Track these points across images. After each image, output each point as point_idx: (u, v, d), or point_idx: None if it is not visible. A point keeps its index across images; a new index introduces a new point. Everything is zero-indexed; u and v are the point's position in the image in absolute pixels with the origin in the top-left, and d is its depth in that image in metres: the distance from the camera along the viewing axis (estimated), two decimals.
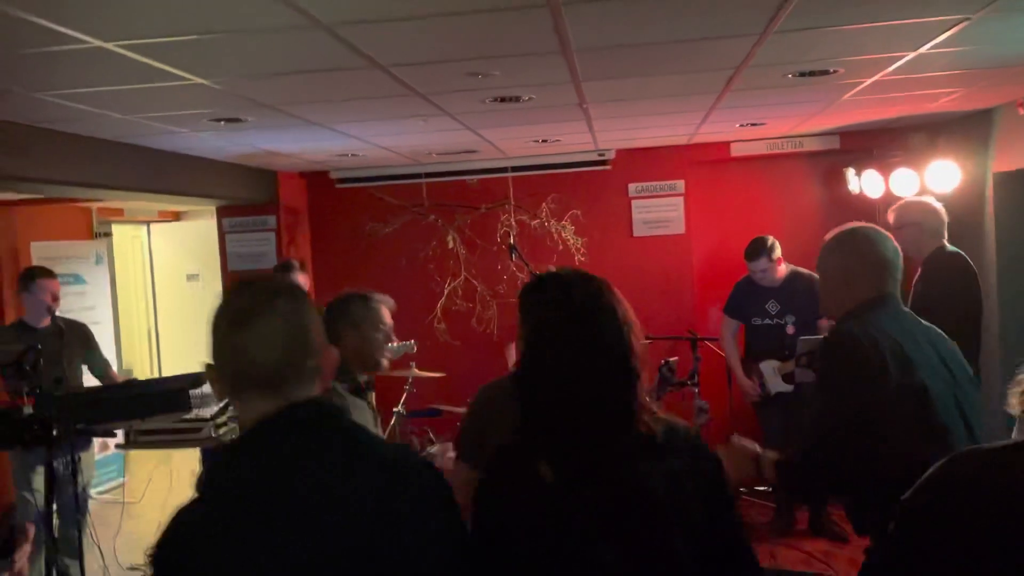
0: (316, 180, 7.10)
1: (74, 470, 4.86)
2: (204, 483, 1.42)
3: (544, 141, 5.90)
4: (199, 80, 3.29)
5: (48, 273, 5.06)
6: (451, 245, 6.90)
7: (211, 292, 7.29)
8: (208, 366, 1.46)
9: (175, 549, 1.38)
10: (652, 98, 4.46)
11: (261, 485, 1.37)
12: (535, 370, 1.72)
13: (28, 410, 3.54)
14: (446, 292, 6.85)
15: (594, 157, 6.73)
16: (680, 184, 6.85)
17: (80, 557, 4.69)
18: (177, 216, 8.86)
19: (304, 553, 1.34)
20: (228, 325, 1.44)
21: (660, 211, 6.85)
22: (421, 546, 1.42)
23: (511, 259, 6.11)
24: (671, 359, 4.90)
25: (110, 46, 2.74)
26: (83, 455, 4.96)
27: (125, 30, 2.60)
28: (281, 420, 1.41)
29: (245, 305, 1.44)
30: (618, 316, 1.72)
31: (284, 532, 1.34)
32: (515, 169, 6.80)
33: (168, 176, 5.25)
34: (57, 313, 4.97)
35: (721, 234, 6.75)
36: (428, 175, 6.88)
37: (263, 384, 1.42)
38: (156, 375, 8.00)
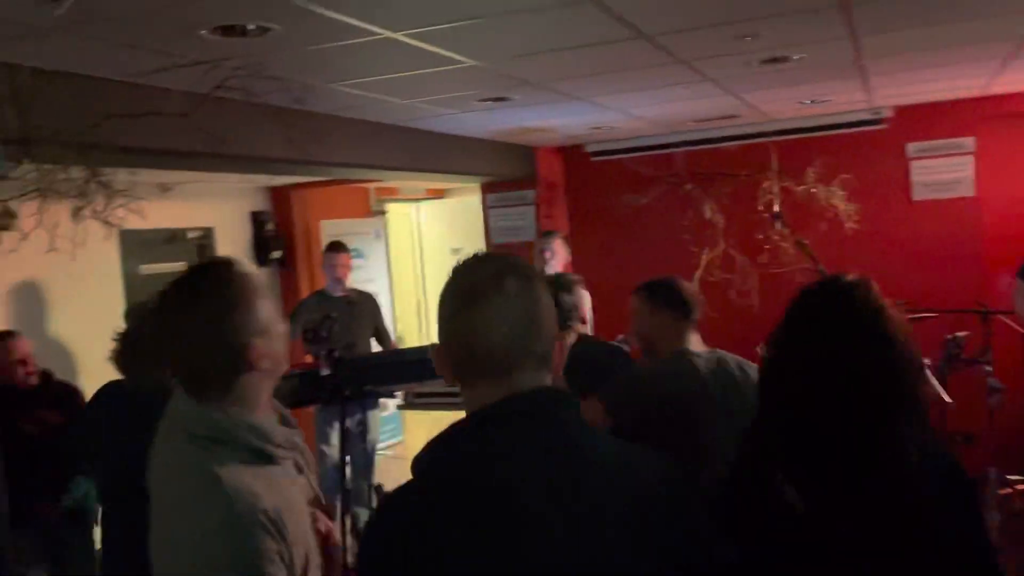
0: (572, 154, 7.22)
1: (364, 428, 5.35)
2: (422, 470, 1.31)
3: (811, 102, 5.58)
4: (472, 62, 3.45)
5: (342, 247, 5.58)
6: (708, 215, 6.75)
7: None
8: (435, 347, 1.35)
9: (391, 541, 1.25)
10: (939, 49, 4.07)
11: (479, 479, 1.25)
12: (795, 385, 1.62)
13: (324, 372, 3.90)
14: (703, 263, 6.72)
15: (866, 116, 6.26)
16: (969, 142, 6.20)
17: (369, 506, 5.15)
18: (442, 194, 9.39)
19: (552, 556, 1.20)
20: (453, 304, 1.33)
21: (945, 172, 6.25)
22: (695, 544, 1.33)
23: (775, 227, 5.87)
24: (959, 334, 4.49)
25: (398, 36, 2.94)
26: (371, 414, 5.44)
27: (411, 20, 2.78)
28: (501, 409, 1.28)
29: (472, 283, 1.32)
30: (900, 338, 1.61)
31: (520, 529, 1.21)
32: (777, 133, 6.50)
33: (438, 156, 5.57)
34: (349, 284, 5.48)
35: (1021, 196, 6.05)
36: (683, 143, 6.76)
37: (488, 368, 1.30)
38: (426, 344, 8.57)
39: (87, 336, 4.87)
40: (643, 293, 2.83)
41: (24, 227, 5.12)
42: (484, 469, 1.25)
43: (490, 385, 1.29)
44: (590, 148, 7.08)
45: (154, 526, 1.58)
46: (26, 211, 5.02)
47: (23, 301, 5.29)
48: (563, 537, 1.21)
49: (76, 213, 3.01)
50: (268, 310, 1.62)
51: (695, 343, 2.76)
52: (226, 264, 1.64)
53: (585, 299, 3.74)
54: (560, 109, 4.95)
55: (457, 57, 3.34)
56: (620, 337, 4.23)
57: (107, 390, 3.24)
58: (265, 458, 1.59)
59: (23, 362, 4.05)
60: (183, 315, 1.58)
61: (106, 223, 3.19)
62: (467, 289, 1.32)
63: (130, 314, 3.33)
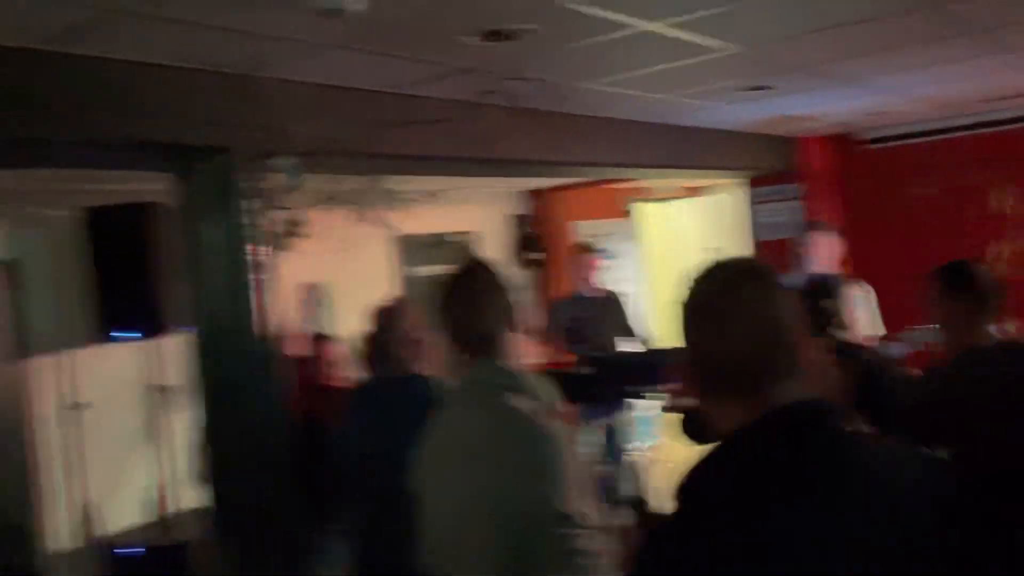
0: (843, 142, 6.74)
1: (615, 427, 5.32)
2: (687, 499, 1.24)
3: None
4: (734, 49, 3.30)
5: (590, 248, 5.60)
6: (998, 206, 6.03)
7: None
8: (679, 362, 1.28)
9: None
10: None
11: (749, 508, 1.16)
12: None
13: (585, 371, 3.91)
14: (992, 258, 6.01)
15: None
16: None
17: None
18: (698, 191, 9.17)
19: None
20: (691, 319, 1.27)
21: None
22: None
23: None
24: None
25: (657, 27, 2.87)
26: (624, 413, 5.40)
27: (672, 8, 2.70)
28: (759, 430, 1.20)
29: (708, 295, 1.26)
30: None
31: (801, 553, 1.13)
32: None
33: (695, 151, 5.42)
34: (599, 285, 5.48)
35: None
36: (970, 126, 6.08)
37: (734, 385, 1.22)
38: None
39: None
40: (935, 278, 2.58)
41: (311, 233, 5.63)
42: (753, 498, 1.17)
43: (740, 403, 1.21)
44: (862, 135, 6.58)
45: (487, 480, 1.69)
46: (313, 218, 5.55)
47: (311, 302, 5.82)
48: (842, 553, 1.14)
49: (357, 217, 3.22)
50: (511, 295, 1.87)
51: (992, 333, 2.45)
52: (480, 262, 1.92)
53: (857, 299, 3.45)
54: (828, 95, 4.63)
55: (718, 45, 3.21)
56: (908, 329, 3.87)
57: (363, 389, 3.33)
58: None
59: (330, 364, 4.21)
60: (471, 290, 1.82)
61: (385, 227, 3.40)
62: (702, 302, 1.26)
63: (378, 316, 3.50)
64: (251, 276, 3.13)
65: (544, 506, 1.64)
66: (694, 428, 2.78)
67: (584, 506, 1.68)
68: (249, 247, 3.12)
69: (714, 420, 1.25)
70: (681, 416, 2.95)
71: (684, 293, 1.29)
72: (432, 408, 1.88)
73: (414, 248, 6.49)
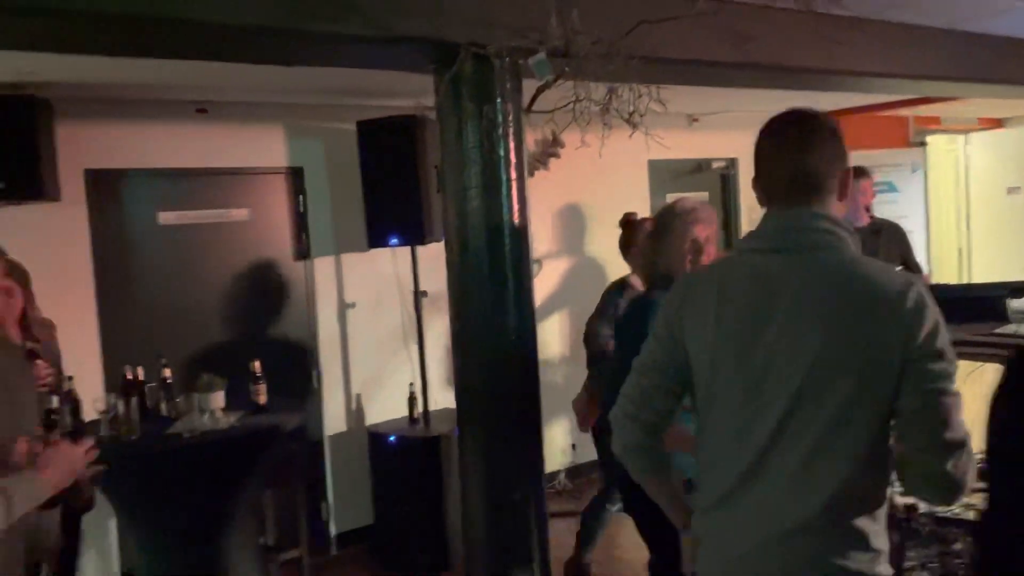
0: None
1: None
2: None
3: None
4: None
5: (865, 173, 5.13)
6: None
7: None
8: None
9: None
10: None
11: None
12: None
13: None
14: None
15: None
16: None
17: None
18: (998, 124, 8.13)
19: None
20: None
21: None
22: None
23: None
24: None
25: None
26: None
27: None
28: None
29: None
30: None
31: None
32: None
33: (995, 63, 4.75)
34: (874, 215, 5.04)
35: None
36: None
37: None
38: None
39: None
40: None
41: (565, 154, 5.64)
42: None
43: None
44: None
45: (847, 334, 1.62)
46: (568, 139, 5.56)
47: (565, 223, 5.89)
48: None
49: (610, 139, 3.13)
50: None
51: None
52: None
53: None
54: None
55: None
56: None
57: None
58: None
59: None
60: (802, 129, 1.78)
61: (641, 150, 3.30)
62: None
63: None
64: (506, 183, 3.18)
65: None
66: None
67: None
68: (505, 155, 3.15)
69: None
70: None
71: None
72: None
73: (669, 174, 6.33)
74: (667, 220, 2.68)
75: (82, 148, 4.14)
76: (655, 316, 1.84)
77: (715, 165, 6.64)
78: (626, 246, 4.07)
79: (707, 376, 1.72)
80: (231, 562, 3.61)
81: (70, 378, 3.48)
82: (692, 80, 3.83)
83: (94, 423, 3.54)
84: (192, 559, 3.57)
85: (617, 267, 4.86)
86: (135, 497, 3.53)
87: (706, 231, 2.62)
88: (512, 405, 3.22)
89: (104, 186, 4.30)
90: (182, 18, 2.49)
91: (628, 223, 4.11)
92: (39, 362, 3.11)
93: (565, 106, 3.06)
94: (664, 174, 6.29)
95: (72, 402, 3.42)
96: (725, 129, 6.26)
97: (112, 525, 3.90)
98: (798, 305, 1.63)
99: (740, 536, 1.66)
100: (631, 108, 3.03)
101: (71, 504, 2.46)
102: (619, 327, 3.00)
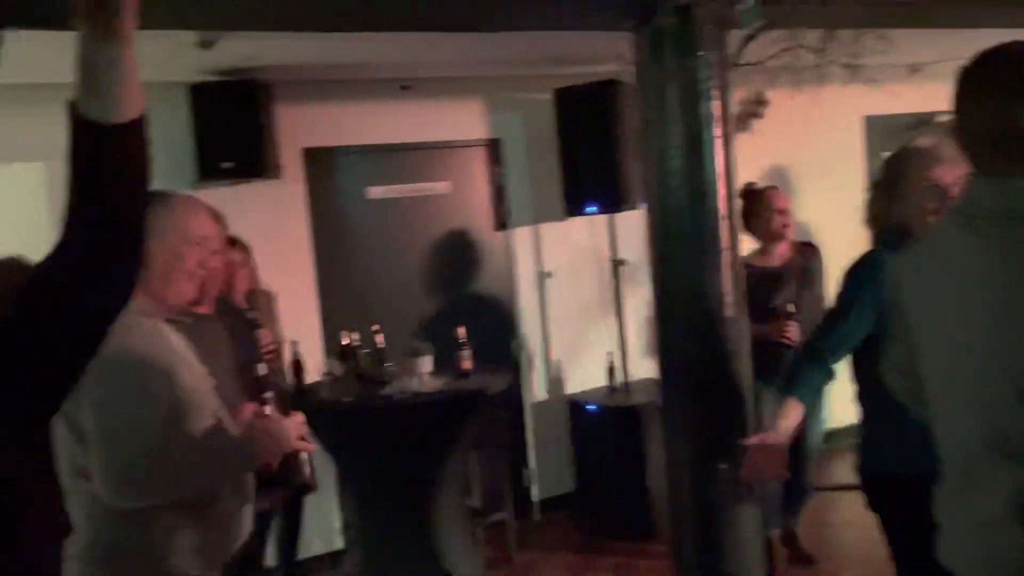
0: None
1: None
2: None
3: None
4: None
5: None
6: None
7: None
8: None
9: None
10: None
11: None
12: None
13: None
14: None
15: None
16: None
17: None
18: None
19: None
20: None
21: None
22: None
23: None
24: None
25: None
26: None
27: None
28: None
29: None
30: None
31: None
32: None
33: None
34: None
35: None
36: None
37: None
38: None
39: (832, 220, 4.91)
40: None
41: (772, 112, 5.35)
42: None
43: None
44: None
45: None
46: (774, 98, 5.28)
47: (772, 183, 5.60)
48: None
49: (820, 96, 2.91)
50: None
51: None
52: None
53: None
54: None
55: None
56: None
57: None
58: None
59: (782, 212, 3.88)
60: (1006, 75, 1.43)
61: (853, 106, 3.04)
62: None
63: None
64: (710, 147, 3.04)
65: None
66: None
67: None
68: (709, 117, 3.02)
69: None
70: None
71: None
72: None
73: (886, 131, 5.86)
74: (900, 162, 2.35)
75: (299, 128, 4.40)
76: (876, 277, 1.68)
77: (940, 119, 6.08)
78: (747, 217, 3.82)
79: (932, 352, 1.56)
80: (439, 521, 3.75)
81: (295, 343, 3.73)
82: (918, 21, 3.49)
83: (315, 385, 3.77)
84: (403, 515, 3.74)
85: (832, 232, 4.59)
86: (351, 454, 3.74)
87: (951, 174, 2.15)
88: (718, 372, 3.10)
89: (319, 163, 4.55)
90: None
91: (749, 193, 3.86)
92: (262, 330, 3.34)
93: (774, 56, 2.88)
94: (882, 131, 5.84)
95: (295, 365, 3.66)
96: (952, 78, 5.71)
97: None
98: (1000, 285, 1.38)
99: (980, 514, 1.49)
100: (850, 52, 2.80)
101: (290, 483, 2.51)
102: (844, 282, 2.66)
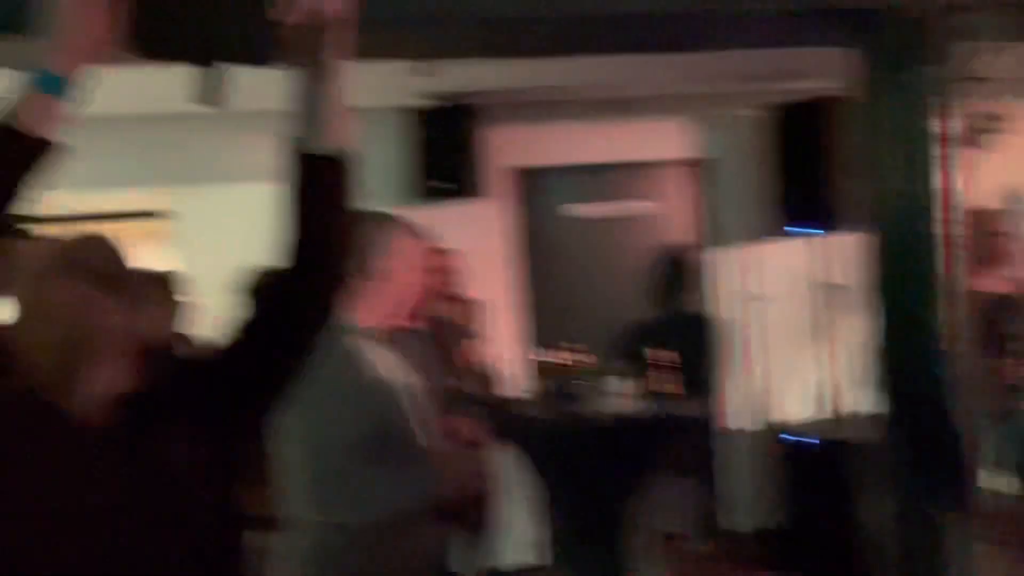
0: None
1: None
2: None
3: None
4: None
5: None
6: None
7: None
8: None
9: None
10: None
11: None
12: None
13: None
14: None
15: None
16: None
17: None
18: None
19: None
20: None
21: None
22: None
23: None
24: None
25: None
26: None
27: None
28: None
29: None
30: None
31: None
32: None
33: None
34: None
35: None
36: None
37: None
38: None
39: None
40: None
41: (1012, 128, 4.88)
42: None
43: None
44: None
45: None
46: (1017, 112, 4.80)
47: (1010, 203, 5.10)
48: None
49: None
50: None
51: None
52: None
53: None
54: None
55: None
56: None
57: None
58: None
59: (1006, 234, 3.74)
60: None
61: None
62: None
63: None
64: (936, 170, 2.82)
65: None
66: None
67: None
68: (934, 135, 2.81)
69: None
70: None
71: None
72: None
73: None
74: None
75: (508, 148, 4.53)
76: None
77: None
78: (974, 239, 3.42)
79: None
80: (635, 543, 3.70)
81: (498, 357, 3.83)
82: None
83: (517, 401, 3.85)
84: (600, 535, 3.72)
85: None
86: (548, 471, 3.77)
87: None
88: (941, 410, 2.86)
89: (527, 182, 4.67)
90: (605, 14, 2.58)
91: (974, 213, 3.45)
92: (468, 343, 3.45)
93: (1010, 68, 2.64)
94: None
95: (497, 381, 3.76)
96: None
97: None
98: None
99: None
100: None
101: (469, 519, 2.52)
102: None
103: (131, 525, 1.10)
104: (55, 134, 1.03)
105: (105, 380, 1.13)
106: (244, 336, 1.20)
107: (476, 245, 4.30)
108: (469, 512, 2.16)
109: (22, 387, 1.13)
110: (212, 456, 1.17)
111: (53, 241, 1.21)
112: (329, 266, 1.19)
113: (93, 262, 1.13)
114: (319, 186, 1.15)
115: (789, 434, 4.54)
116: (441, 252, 3.72)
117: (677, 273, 4.84)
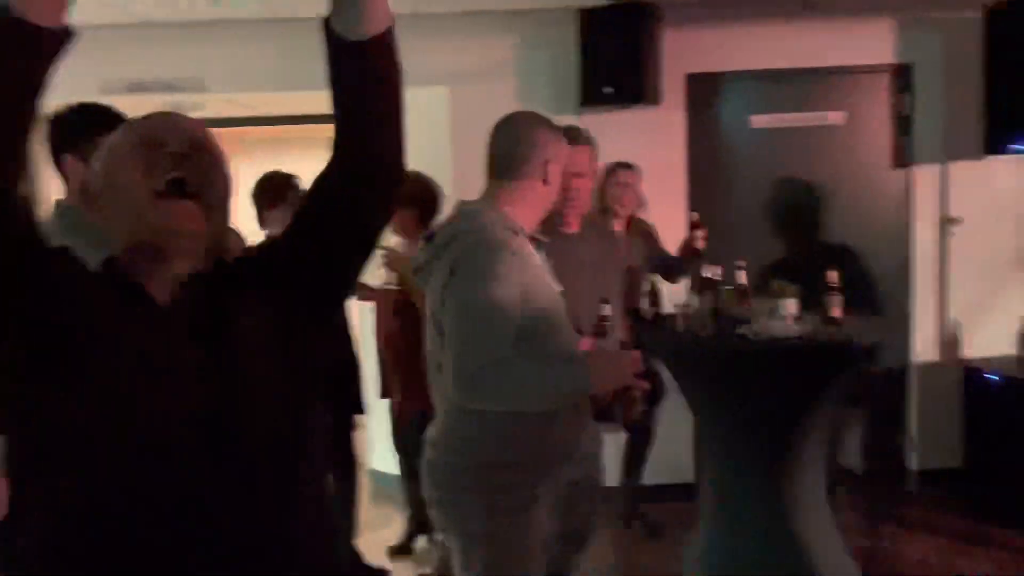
0: None
1: None
2: None
3: None
4: None
5: None
6: None
7: None
8: None
9: None
10: None
11: None
12: None
13: None
14: None
15: None
16: None
17: None
18: None
19: None
20: None
21: None
22: None
23: None
24: None
25: None
26: None
27: None
28: None
29: None
30: None
31: None
32: None
33: None
34: None
35: None
36: None
37: None
38: None
39: None
40: None
41: None
42: None
43: None
44: None
45: None
46: None
47: None
48: None
49: None
50: None
51: None
52: None
53: None
54: None
55: None
56: None
57: None
58: None
59: None
60: None
61: None
62: None
63: None
64: None
65: None
66: None
67: None
68: None
69: None
70: None
71: None
72: None
73: None
74: None
75: (684, 52, 4.28)
76: None
77: None
78: None
79: None
80: (795, 475, 3.52)
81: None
82: None
83: (671, 317, 3.72)
84: (756, 464, 3.56)
85: None
86: (703, 393, 3.64)
87: None
88: None
89: (702, 90, 4.40)
90: None
91: None
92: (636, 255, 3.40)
93: None
94: None
95: (652, 295, 3.65)
96: None
97: None
98: None
99: None
100: None
101: (621, 419, 2.49)
102: None
103: (210, 401, 1.13)
104: (64, 19, 1.00)
105: (180, 259, 1.16)
106: (304, 217, 1.21)
107: (645, 154, 4.13)
108: (615, 410, 2.15)
109: (104, 266, 1.18)
110: (285, 331, 1.19)
111: (132, 120, 1.23)
112: (384, 154, 1.15)
113: (168, 139, 1.14)
114: (362, 72, 1.10)
115: (984, 371, 4.16)
116: (616, 167, 3.64)
117: (868, 192, 4.47)
